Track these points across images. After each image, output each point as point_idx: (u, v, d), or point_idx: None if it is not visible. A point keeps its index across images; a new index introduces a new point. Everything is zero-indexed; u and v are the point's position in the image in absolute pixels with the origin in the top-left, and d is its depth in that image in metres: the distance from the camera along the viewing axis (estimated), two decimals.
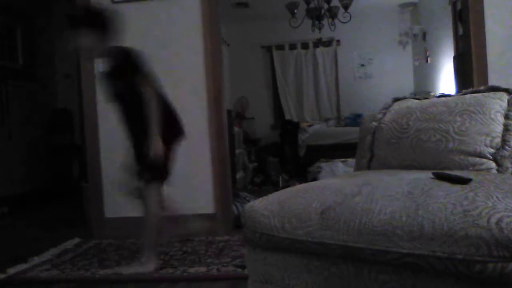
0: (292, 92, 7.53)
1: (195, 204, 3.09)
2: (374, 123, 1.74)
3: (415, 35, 6.64)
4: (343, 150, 5.63)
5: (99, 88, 3.18)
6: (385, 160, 1.63)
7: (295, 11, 5.20)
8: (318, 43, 7.06)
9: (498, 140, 1.45)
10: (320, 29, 5.57)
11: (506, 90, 1.57)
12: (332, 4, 5.31)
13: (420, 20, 6.64)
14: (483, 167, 1.42)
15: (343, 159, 5.40)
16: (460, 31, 4.28)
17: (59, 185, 5.39)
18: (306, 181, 4.91)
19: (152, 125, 2.19)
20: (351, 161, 5.07)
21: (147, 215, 2.31)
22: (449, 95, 1.72)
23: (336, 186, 1.28)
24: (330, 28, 5.41)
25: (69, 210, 4.37)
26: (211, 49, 3.10)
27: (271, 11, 6.59)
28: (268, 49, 7.57)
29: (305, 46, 7.46)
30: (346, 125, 6.81)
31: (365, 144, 1.76)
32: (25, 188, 5.02)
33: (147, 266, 2.28)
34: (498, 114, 1.48)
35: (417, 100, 1.77)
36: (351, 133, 5.74)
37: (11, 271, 2.42)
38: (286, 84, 7.53)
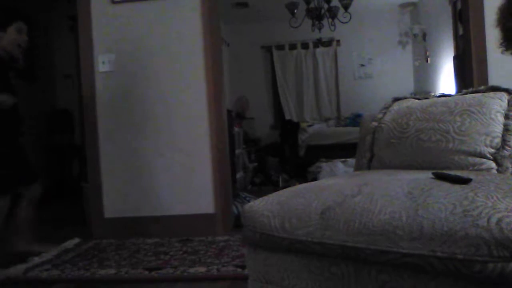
0: (292, 92, 7.52)
1: (195, 204, 3.10)
2: (374, 123, 1.74)
3: (415, 35, 6.64)
4: (343, 150, 5.63)
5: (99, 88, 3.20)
6: (385, 160, 1.63)
7: (295, 11, 5.19)
8: (318, 43, 7.05)
9: (498, 140, 1.45)
10: (320, 29, 5.56)
11: (506, 90, 1.57)
12: (332, 4, 5.31)
13: (420, 20, 6.63)
14: (483, 167, 1.42)
15: (343, 159, 5.41)
16: (460, 31, 4.28)
17: (59, 185, 5.38)
18: (306, 181, 4.92)
19: None
20: (351, 161, 5.08)
21: None
22: (449, 95, 1.72)
23: (336, 186, 1.28)
24: (330, 28, 5.41)
25: (69, 210, 4.36)
26: (211, 49, 3.10)
27: (271, 11, 6.59)
28: (268, 49, 7.56)
29: (305, 46, 7.45)
30: (346, 125, 6.80)
31: (365, 144, 1.76)
32: None
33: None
34: (498, 114, 1.48)
35: (417, 100, 1.77)
36: (351, 133, 5.74)
37: (11, 271, 2.42)
38: (286, 84, 7.52)
